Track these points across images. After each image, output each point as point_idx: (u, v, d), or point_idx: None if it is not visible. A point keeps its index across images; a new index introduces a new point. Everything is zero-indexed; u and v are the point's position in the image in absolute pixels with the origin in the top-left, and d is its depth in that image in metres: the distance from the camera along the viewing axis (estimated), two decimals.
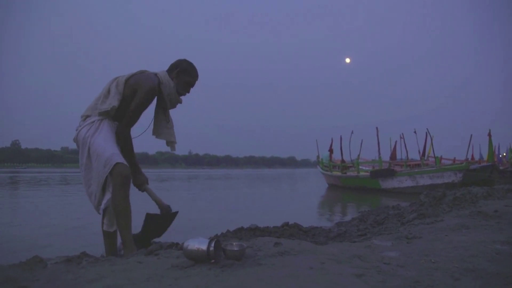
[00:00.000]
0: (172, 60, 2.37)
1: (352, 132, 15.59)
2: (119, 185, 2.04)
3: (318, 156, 18.42)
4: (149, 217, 2.41)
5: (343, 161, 15.60)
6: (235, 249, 1.63)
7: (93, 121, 2.18)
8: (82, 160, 2.17)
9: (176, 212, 2.54)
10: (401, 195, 10.67)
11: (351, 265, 1.59)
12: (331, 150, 16.65)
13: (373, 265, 1.61)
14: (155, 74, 2.25)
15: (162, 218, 2.48)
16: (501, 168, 15.34)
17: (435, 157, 12.63)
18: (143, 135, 2.44)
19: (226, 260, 1.55)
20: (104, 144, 2.10)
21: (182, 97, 2.37)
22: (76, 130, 2.23)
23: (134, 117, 2.19)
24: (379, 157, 14.09)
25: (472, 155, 18.12)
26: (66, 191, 11.55)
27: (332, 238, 3.19)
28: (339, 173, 15.00)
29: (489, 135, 13.08)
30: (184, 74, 2.28)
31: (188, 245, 1.54)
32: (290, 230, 3.30)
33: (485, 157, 16.49)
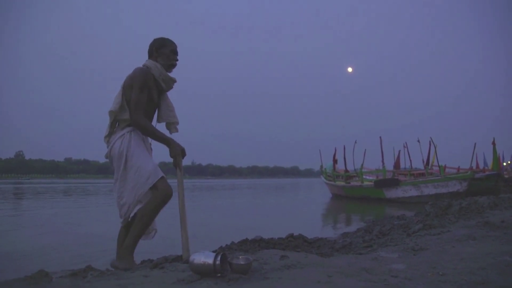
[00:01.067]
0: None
1: (355, 142, 15.57)
2: (160, 200, 2.10)
3: (321, 166, 18.35)
4: None
5: (346, 170, 15.53)
6: (242, 262, 1.62)
7: (123, 135, 2.22)
8: (118, 173, 2.20)
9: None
10: (405, 204, 10.59)
11: (359, 279, 1.58)
12: (334, 160, 16.61)
13: (381, 278, 1.59)
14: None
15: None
16: (505, 176, 15.21)
17: (439, 166, 12.56)
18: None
19: (232, 274, 1.54)
20: (144, 157, 2.18)
21: (173, 75, 2.41)
22: (107, 146, 2.27)
23: (138, 102, 2.19)
24: (383, 167, 14.03)
25: (477, 164, 18.02)
26: (76, 201, 11.56)
27: (337, 249, 3.16)
28: (342, 183, 14.93)
29: (494, 143, 13.01)
30: (163, 48, 2.38)
31: (194, 259, 1.54)
32: (295, 242, 3.28)
33: (490, 165, 16.37)
